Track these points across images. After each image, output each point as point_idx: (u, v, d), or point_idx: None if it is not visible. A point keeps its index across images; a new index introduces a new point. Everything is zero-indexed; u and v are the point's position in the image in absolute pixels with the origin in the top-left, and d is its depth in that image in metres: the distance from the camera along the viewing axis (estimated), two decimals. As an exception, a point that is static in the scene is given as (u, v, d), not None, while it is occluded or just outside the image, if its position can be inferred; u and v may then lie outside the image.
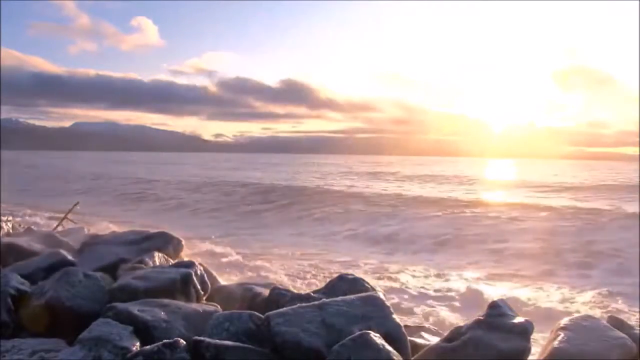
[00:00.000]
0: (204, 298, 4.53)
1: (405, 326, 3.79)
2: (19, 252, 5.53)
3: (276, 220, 18.12)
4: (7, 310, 3.94)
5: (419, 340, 3.94)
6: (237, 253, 10.26)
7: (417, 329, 4.47)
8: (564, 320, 3.41)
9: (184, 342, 3.17)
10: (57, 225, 9.95)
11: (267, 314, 3.48)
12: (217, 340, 3.19)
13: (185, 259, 5.56)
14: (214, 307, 4.10)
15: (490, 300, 3.64)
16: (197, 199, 23.52)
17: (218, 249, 10.41)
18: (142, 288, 4.14)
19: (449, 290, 8.36)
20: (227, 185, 28.49)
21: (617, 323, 3.45)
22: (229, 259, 9.63)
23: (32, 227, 8.40)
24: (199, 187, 27.75)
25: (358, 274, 4.93)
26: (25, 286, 4.28)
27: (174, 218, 19.25)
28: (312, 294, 4.36)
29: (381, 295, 3.81)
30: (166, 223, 14.78)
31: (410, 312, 6.82)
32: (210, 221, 18.30)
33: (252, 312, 3.63)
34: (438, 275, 9.56)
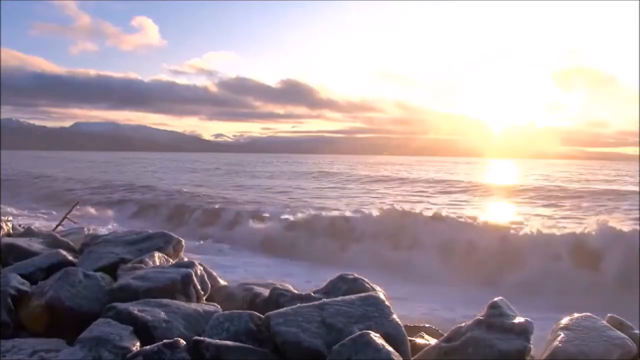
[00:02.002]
0: (204, 298, 4.53)
1: (405, 326, 3.80)
2: (19, 252, 5.52)
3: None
4: (7, 310, 3.94)
5: (419, 340, 3.95)
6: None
7: (417, 329, 4.47)
8: (564, 320, 3.41)
9: (184, 342, 3.17)
10: (57, 226, 9.95)
11: (267, 314, 3.48)
12: (217, 340, 3.19)
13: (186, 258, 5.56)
14: (214, 307, 4.10)
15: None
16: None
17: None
18: (142, 288, 4.13)
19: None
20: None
21: (617, 323, 3.45)
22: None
23: (32, 227, 8.39)
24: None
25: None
26: (25, 286, 4.28)
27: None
28: (312, 294, 4.36)
29: (381, 295, 3.81)
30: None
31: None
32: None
33: (252, 312, 3.63)
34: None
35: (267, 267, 12.85)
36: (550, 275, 11.65)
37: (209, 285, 4.70)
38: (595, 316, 3.44)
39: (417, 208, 18.55)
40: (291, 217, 17.67)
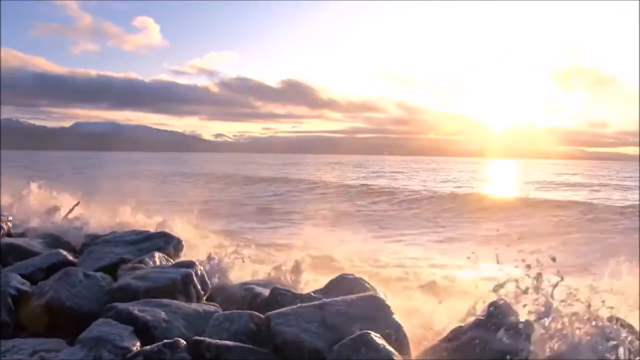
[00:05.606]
0: (205, 298, 4.52)
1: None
2: (19, 252, 5.52)
3: None
4: (8, 310, 3.93)
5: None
6: None
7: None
8: (564, 320, 3.41)
9: (184, 342, 3.17)
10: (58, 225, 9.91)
11: (267, 314, 3.48)
12: (218, 340, 3.19)
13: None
14: (214, 307, 4.10)
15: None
16: None
17: None
18: (142, 288, 4.13)
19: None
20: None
21: (617, 323, 3.44)
22: None
23: (32, 227, 8.38)
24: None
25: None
26: (26, 286, 4.28)
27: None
28: (313, 294, 4.36)
29: (381, 295, 3.81)
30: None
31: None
32: None
33: (252, 312, 3.63)
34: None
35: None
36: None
37: (209, 285, 4.70)
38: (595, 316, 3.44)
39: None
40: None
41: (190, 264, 4.68)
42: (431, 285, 7.04)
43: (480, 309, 3.51)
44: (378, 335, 3.09)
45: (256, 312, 3.61)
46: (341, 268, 7.40)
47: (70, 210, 10.80)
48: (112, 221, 8.40)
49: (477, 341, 3.17)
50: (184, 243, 6.05)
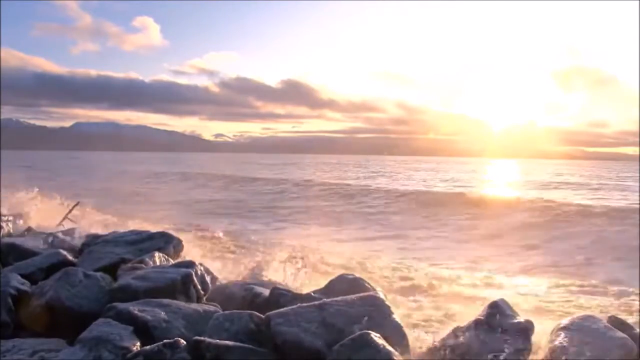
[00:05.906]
0: (205, 298, 4.52)
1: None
2: (19, 252, 5.52)
3: None
4: (8, 310, 3.93)
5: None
6: None
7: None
8: (564, 321, 3.41)
9: (184, 342, 3.16)
10: (58, 225, 9.90)
11: (267, 314, 3.48)
12: (218, 340, 3.19)
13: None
14: (214, 307, 4.09)
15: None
16: None
17: None
18: (142, 288, 4.12)
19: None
20: None
21: (617, 323, 3.44)
22: None
23: (32, 227, 8.38)
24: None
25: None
26: (26, 286, 4.27)
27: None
28: (313, 294, 4.35)
29: (381, 295, 3.81)
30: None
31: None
32: None
33: (252, 312, 3.62)
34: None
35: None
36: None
37: (209, 285, 4.69)
38: (596, 316, 3.45)
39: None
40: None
41: (190, 264, 4.68)
42: (431, 285, 7.08)
43: (480, 309, 3.51)
44: (378, 335, 3.09)
45: (256, 312, 3.60)
46: (341, 268, 7.42)
47: (70, 211, 10.77)
48: (108, 221, 8.39)
49: (477, 341, 3.17)
50: (183, 243, 6.04)
